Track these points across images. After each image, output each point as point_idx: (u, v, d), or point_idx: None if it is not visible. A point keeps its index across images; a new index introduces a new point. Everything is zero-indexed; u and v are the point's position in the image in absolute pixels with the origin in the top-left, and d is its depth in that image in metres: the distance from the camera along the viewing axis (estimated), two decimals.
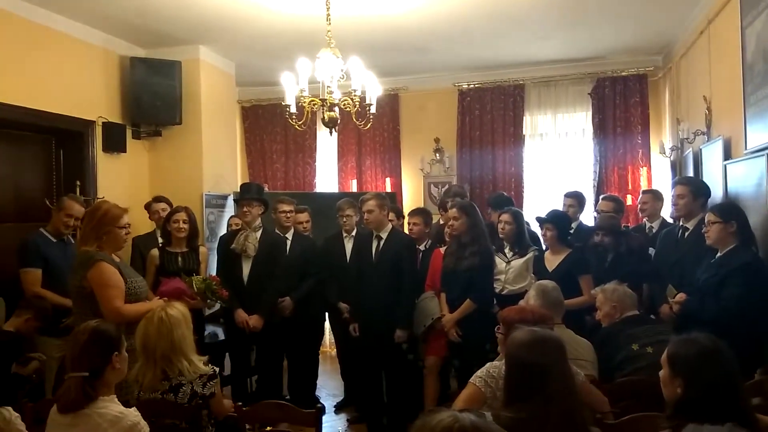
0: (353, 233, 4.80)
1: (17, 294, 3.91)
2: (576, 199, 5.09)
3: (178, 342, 2.69)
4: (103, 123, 5.22)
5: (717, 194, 4.06)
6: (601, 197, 5.26)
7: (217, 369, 2.80)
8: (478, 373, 2.50)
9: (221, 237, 4.83)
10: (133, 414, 2.22)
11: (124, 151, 5.44)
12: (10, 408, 2.30)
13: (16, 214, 4.58)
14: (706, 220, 3.38)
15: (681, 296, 3.43)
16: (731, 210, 3.38)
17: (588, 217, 5.95)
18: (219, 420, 2.80)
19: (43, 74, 4.64)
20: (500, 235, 4.37)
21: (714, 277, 3.26)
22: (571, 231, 4.80)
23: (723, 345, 1.92)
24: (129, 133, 5.53)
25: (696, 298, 3.34)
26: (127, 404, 2.31)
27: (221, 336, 4.81)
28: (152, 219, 4.93)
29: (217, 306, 4.68)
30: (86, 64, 5.10)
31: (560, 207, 5.03)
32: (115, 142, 5.31)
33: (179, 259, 4.23)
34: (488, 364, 2.54)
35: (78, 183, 4.98)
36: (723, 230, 3.27)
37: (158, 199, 4.94)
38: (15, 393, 2.79)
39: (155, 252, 4.28)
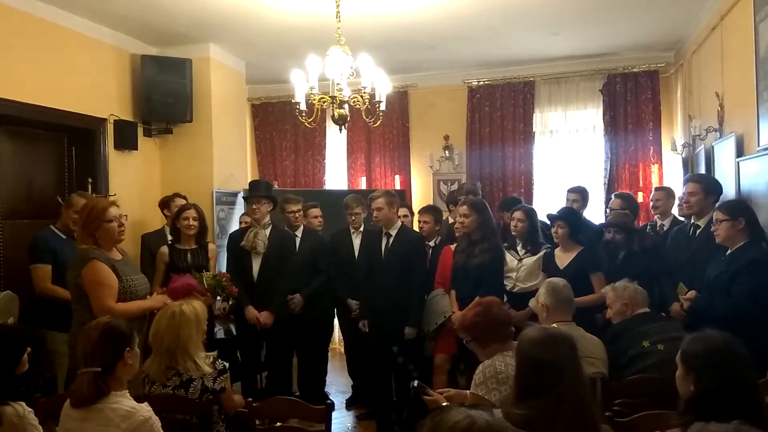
0: (361, 229, 4.82)
1: (30, 289, 3.96)
2: (580, 194, 5.05)
3: (183, 340, 2.73)
4: (114, 121, 5.26)
5: (730, 191, 4.02)
6: (613, 194, 5.22)
7: (227, 364, 2.81)
8: (476, 381, 2.50)
9: (231, 234, 4.85)
10: (145, 409, 2.24)
11: (136, 149, 5.47)
12: (23, 403, 2.31)
13: (29, 211, 4.62)
14: (714, 219, 3.37)
15: (692, 293, 3.42)
16: (739, 207, 3.37)
17: (598, 214, 5.93)
18: (229, 415, 2.82)
19: (56, 72, 4.68)
20: (513, 233, 4.36)
21: (723, 274, 3.26)
22: None
23: (736, 342, 1.91)
24: (140, 130, 5.56)
25: (706, 295, 3.33)
26: (139, 399, 2.33)
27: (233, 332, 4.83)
28: (169, 214, 4.98)
29: (219, 303, 4.70)
30: (98, 62, 5.13)
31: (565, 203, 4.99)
32: (126, 139, 5.34)
33: (188, 255, 4.25)
34: (479, 372, 2.54)
35: (90, 180, 5.01)
36: (731, 228, 3.26)
37: (180, 195, 5.01)
38: (29, 388, 2.82)
39: (165, 249, 4.31)
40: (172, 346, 2.72)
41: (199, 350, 2.79)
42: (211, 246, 4.44)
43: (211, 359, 2.80)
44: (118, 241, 3.28)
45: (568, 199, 5.06)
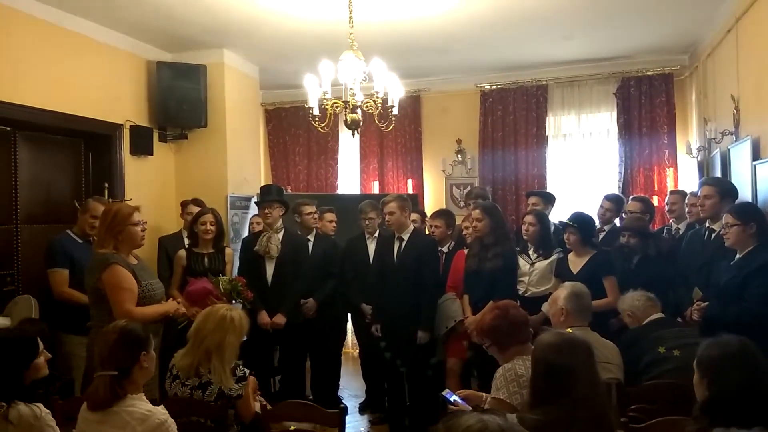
0: (376, 234, 4.82)
1: (47, 293, 4.01)
2: (614, 204, 4.98)
3: (223, 346, 2.73)
4: (130, 126, 5.31)
5: (746, 195, 3.98)
6: (631, 197, 5.18)
7: (247, 371, 2.81)
8: (498, 385, 2.49)
9: (243, 239, 4.89)
10: (161, 412, 2.26)
11: (151, 154, 5.53)
12: (40, 405, 2.34)
13: (46, 216, 4.68)
14: (724, 222, 3.32)
15: (698, 304, 3.39)
16: (750, 211, 3.32)
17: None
18: (245, 423, 2.81)
19: (73, 79, 4.74)
20: (524, 237, 4.34)
21: (734, 278, 3.22)
22: (604, 232, 4.76)
23: (752, 347, 1.89)
24: (156, 136, 5.62)
25: (716, 301, 3.29)
26: (154, 402, 2.35)
27: None
28: (184, 218, 5.05)
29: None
30: (114, 68, 5.19)
31: (588, 208, 4.91)
32: (142, 145, 5.40)
33: (206, 259, 4.30)
34: (499, 376, 2.53)
35: (106, 185, 5.07)
36: (742, 232, 3.22)
37: (196, 202, 5.07)
38: (47, 390, 2.85)
39: (182, 253, 4.36)
40: (212, 348, 2.71)
41: (233, 360, 2.78)
42: (228, 250, 4.49)
43: (233, 364, 2.81)
44: (139, 245, 3.33)
45: (602, 206, 4.99)
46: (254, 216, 5.52)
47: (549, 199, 5.20)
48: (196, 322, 2.83)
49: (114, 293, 3.06)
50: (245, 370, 2.80)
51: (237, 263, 5.00)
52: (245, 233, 5.69)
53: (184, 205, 5.18)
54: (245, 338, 4.56)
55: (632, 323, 3.42)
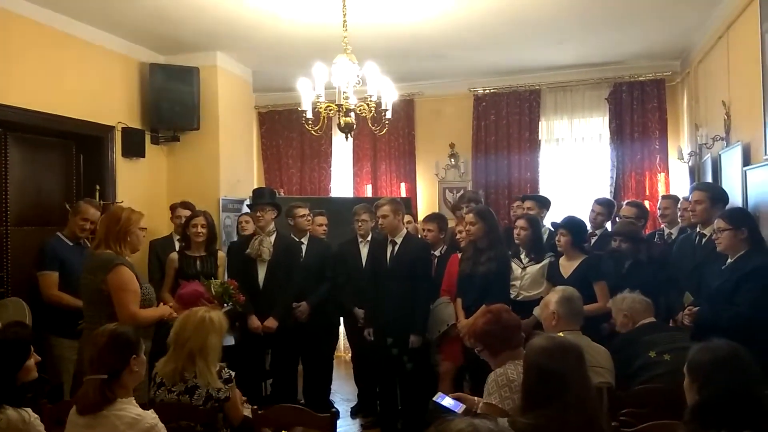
0: (368, 238, 4.82)
1: (37, 296, 3.98)
2: (605, 208, 4.99)
3: (207, 348, 2.73)
4: (122, 128, 5.29)
5: (736, 200, 4.01)
6: (625, 202, 5.20)
7: (233, 373, 2.80)
8: (489, 390, 2.48)
9: (230, 244, 4.90)
10: (151, 416, 2.25)
11: (143, 156, 5.50)
12: (29, 409, 2.32)
13: (37, 218, 4.64)
14: (715, 227, 3.34)
15: (691, 309, 3.40)
16: (741, 216, 3.35)
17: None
18: (234, 426, 2.80)
19: (65, 80, 4.72)
20: (516, 241, 4.35)
21: (726, 282, 3.23)
22: (596, 236, 4.77)
23: (742, 351, 1.91)
24: (148, 138, 5.59)
25: (708, 306, 3.30)
26: (144, 406, 2.34)
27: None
28: (173, 221, 5.02)
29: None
30: (107, 70, 5.17)
31: (580, 212, 4.93)
32: (134, 147, 5.37)
33: (198, 263, 4.28)
34: (491, 380, 2.52)
35: (97, 187, 5.04)
36: (734, 237, 3.24)
37: (185, 205, 5.03)
38: (36, 394, 2.83)
39: (174, 255, 4.34)
40: (195, 350, 2.71)
41: (217, 361, 2.77)
42: (220, 254, 4.48)
43: (218, 368, 2.80)
44: (139, 249, 3.35)
45: (593, 210, 5.00)
46: (242, 215, 5.49)
47: (544, 204, 5.21)
48: (175, 326, 2.81)
49: (119, 295, 3.04)
50: (231, 372, 2.79)
51: None
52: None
53: (173, 208, 5.15)
54: (237, 342, 4.59)
55: (626, 324, 3.41)
